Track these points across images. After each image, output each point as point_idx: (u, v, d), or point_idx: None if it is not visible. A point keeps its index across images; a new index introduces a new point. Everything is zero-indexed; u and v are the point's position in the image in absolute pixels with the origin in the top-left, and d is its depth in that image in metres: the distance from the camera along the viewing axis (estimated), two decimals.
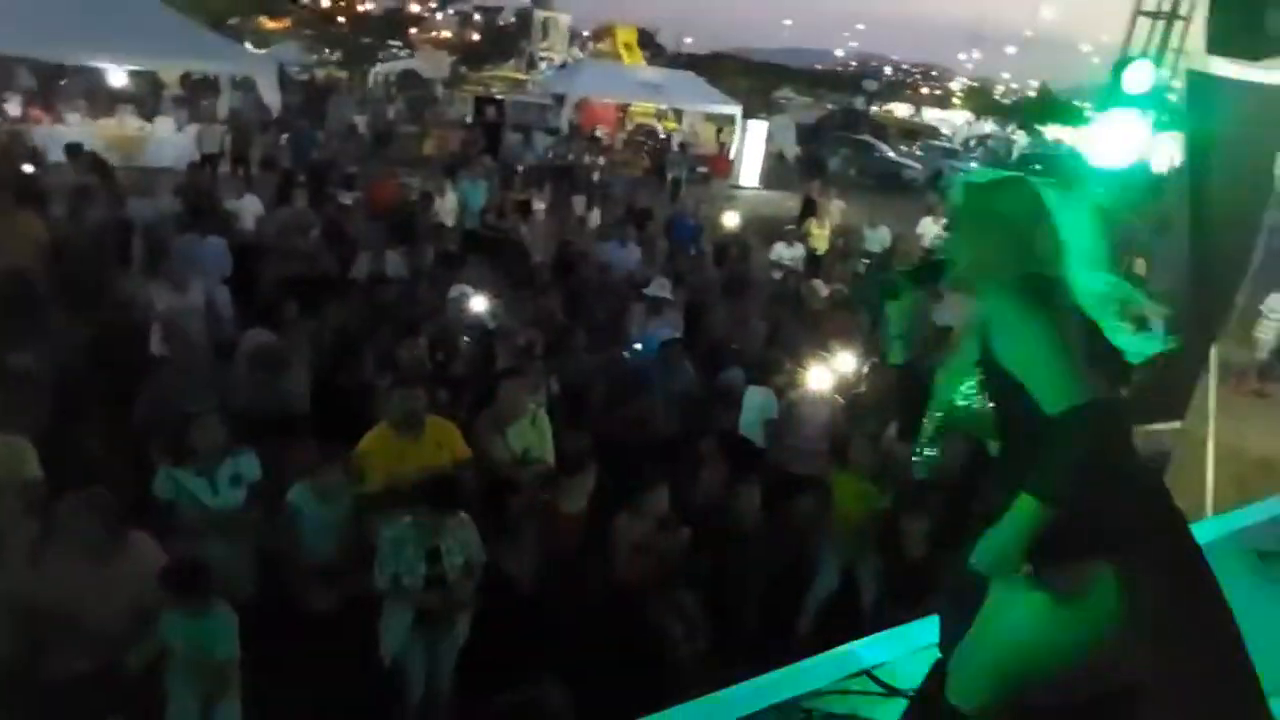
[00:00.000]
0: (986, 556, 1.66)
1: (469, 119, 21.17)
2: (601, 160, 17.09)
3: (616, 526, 4.17)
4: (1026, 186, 1.84)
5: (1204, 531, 3.66)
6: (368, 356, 5.27)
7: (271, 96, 15.00)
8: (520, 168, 14.24)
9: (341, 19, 38.17)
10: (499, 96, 23.12)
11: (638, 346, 6.14)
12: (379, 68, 28.81)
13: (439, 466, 4.02)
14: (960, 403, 1.81)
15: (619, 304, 6.97)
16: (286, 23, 36.23)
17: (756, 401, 5.44)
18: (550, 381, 5.25)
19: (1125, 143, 6.36)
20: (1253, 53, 5.90)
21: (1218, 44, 5.82)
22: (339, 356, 5.33)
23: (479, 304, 6.05)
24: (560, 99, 21.58)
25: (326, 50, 32.08)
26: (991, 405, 1.77)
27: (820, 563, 4.49)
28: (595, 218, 10.71)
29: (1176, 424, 6.27)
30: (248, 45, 22.81)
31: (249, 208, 8.51)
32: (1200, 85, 5.75)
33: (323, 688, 3.43)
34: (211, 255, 6.67)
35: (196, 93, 17.05)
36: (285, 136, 13.96)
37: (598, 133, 21.54)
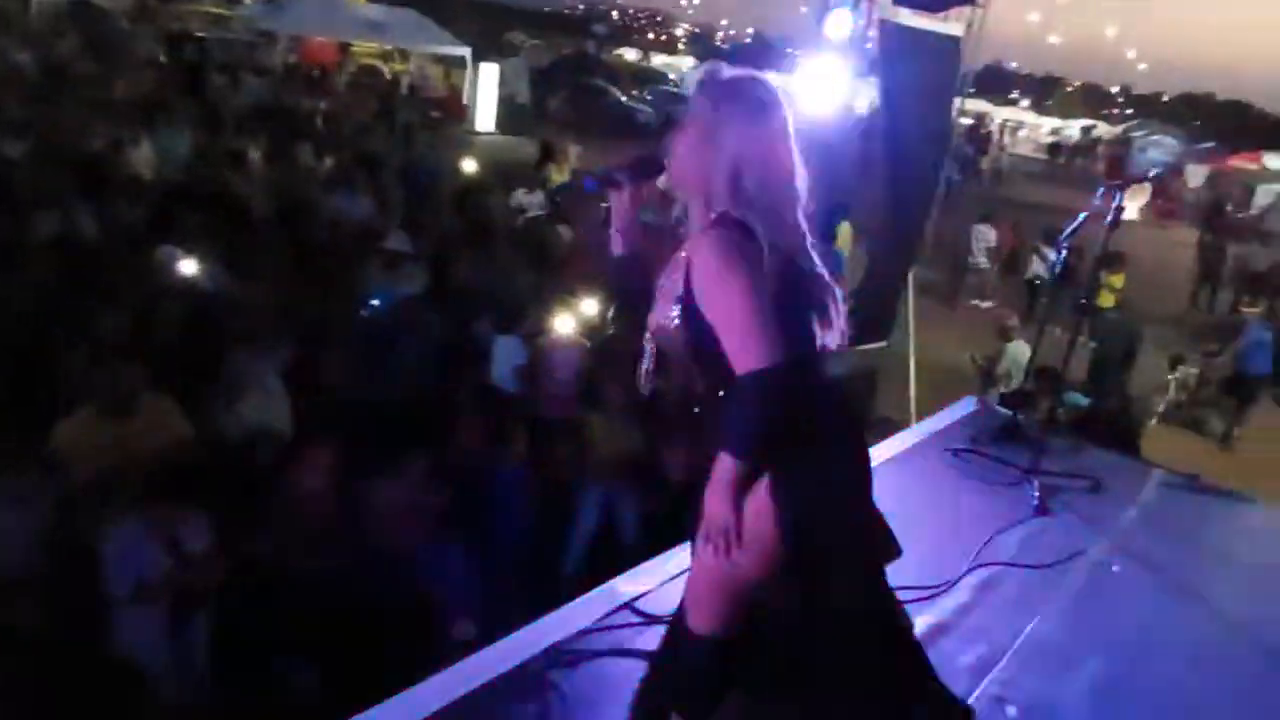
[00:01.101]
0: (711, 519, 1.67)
1: (162, 58, 18.86)
2: (323, 104, 15.94)
3: (371, 493, 4.00)
4: (773, 98, 1.70)
5: (909, 436, 4.15)
6: (58, 332, 4.61)
7: None
8: (229, 113, 12.92)
9: None
10: (198, 34, 20.76)
11: (376, 303, 5.84)
12: None
13: (157, 450, 3.63)
14: (666, 324, 1.73)
15: (354, 259, 6.59)
16: None
17: (506, 350, 5.41)
18: (284, 347, 4.88)
19: (829, 88, 6.86)
20: (933, 5, 6.58)
21: None
22: (20, 334, 4.62)
23: (192, 266, 5.46)
24: (269, 36, 19.81)
25: None
26: (688, 338, 1.71)
27: (581, 503, 4.59)
28: (320, 167, 9.97)
29: (883, 343, 7.01)
30: None
31: None
32: (890, 34, 6.33)
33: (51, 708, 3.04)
34: None
35: None
36: None
37: (316, 74, 20.04)
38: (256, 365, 4.38)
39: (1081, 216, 4.12)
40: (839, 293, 1.79)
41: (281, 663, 3.27)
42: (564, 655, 2.35)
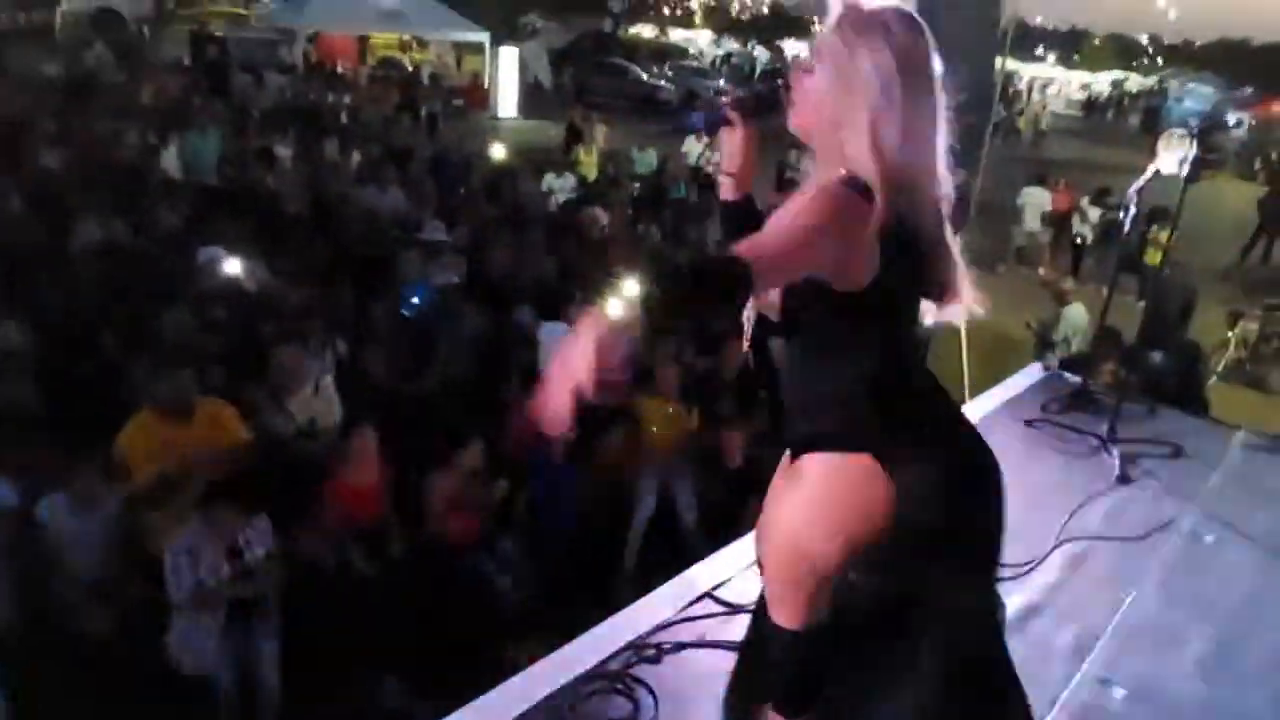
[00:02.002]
0: None
1: (187, 61, 18.94)
2: (347, 98, 15.92)
3: (428, 486, 3.96)
4: (925, 42, 1.44)
5: (978, 407, 4.01)
6: (107, 338, 4.62)
7: None
8: (256, 112, 12.94)
9: None
10: (218, 34, 20.82)
11: (415, 301, 5.75)
12: (66, 6, 24.97)
13: (216, 453, 3.61)
14: None
15: (391, 251, 6.54)
16: None
17: (553, 337, 5.32)
18: (330, 343, 4.84)
19: None
20: None
21: None
22: (70, 342, 4.63)
23: (234, 266, 5.45)
24: (289, 34, 19.81)
25: None
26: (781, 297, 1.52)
27: (638, 491, 4.51)
28: (350, 161, 9.93)
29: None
30: None
31: None
32: None
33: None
34: None
35: None
36: None
37: (339, 69, 20.04)
38: (305, 363, 4.34)
39: (1151, 171, 3.93)
40: (963, 270, 1.61)
41: (355, 672, 3.24)
42: (647, 649, 2.27)
